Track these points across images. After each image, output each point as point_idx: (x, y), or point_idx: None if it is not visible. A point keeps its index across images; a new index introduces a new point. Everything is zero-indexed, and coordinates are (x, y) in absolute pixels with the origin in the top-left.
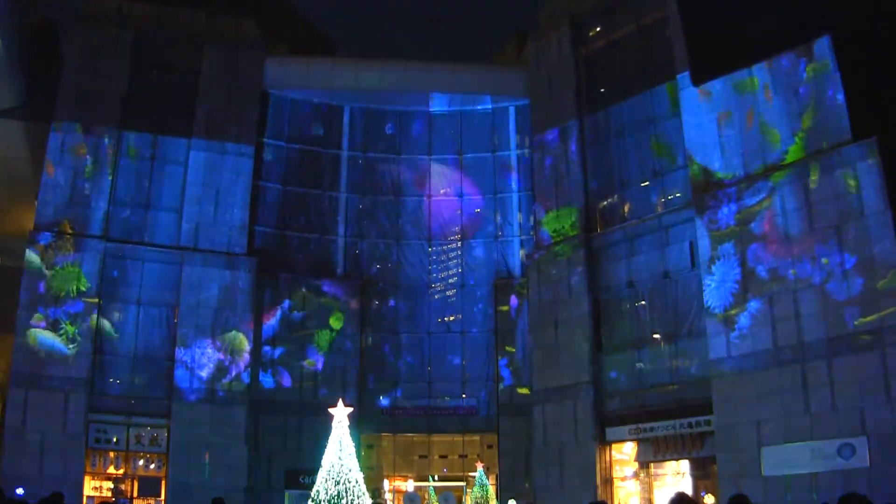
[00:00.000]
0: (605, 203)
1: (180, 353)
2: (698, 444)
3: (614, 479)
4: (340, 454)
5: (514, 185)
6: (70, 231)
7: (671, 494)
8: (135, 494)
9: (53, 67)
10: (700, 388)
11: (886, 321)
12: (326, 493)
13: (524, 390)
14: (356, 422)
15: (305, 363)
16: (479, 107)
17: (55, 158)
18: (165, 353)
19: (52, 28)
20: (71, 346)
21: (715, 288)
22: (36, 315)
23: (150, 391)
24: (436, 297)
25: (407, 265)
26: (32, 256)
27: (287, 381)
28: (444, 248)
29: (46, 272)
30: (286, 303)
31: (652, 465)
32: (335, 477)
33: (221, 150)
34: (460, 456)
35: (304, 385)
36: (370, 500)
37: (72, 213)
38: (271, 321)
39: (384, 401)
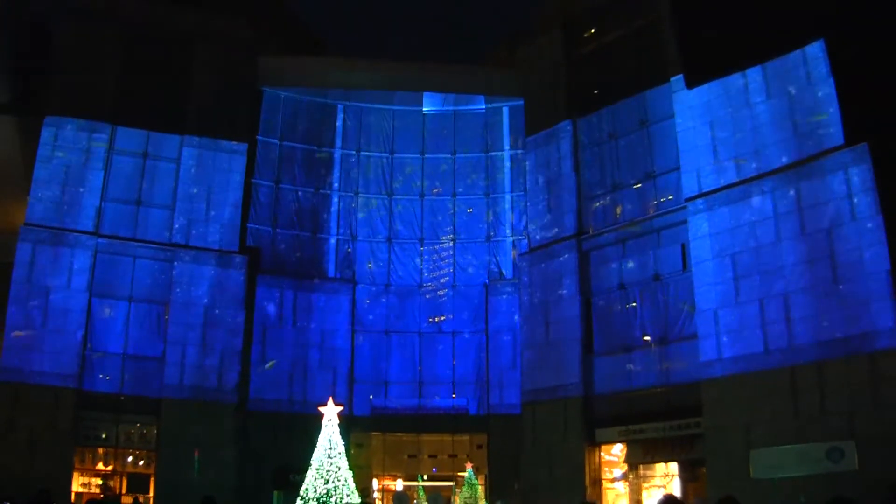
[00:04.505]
0: (598, 205)
1: (170, 350)
2: (688, 446)
3: (603, 481)
4: (330, 453)
5: (506, 186)
6: (61, 227)
7: (660, 496)
8: (123, 491)
9: (46, 63)
10: (690, 391)
11: (876, 325)
12: (315, 492)
13: (514, 391)
14: (346, 421)
15: (296, 361)
16: (472, 107)
17: (47, 154)
18: (156, 351)
19: (44, 23)
20: (61, 342)
21: (706, 291)
22: (26, 310)
23: (139, 388)
24: (427, 296)
25: (398, 265)
26: (23, 252)
27: (277, 379)
28: (436, 247)
29: (37, 268)
30: (277, 301)
31: (641, 466)
32: (324, 476)
33: (214, 147)
34: (450, 456)
35: (295, 383)
36: (359, 500)
37: (63, 209)
38: (262, 319)
39: (374, 400)
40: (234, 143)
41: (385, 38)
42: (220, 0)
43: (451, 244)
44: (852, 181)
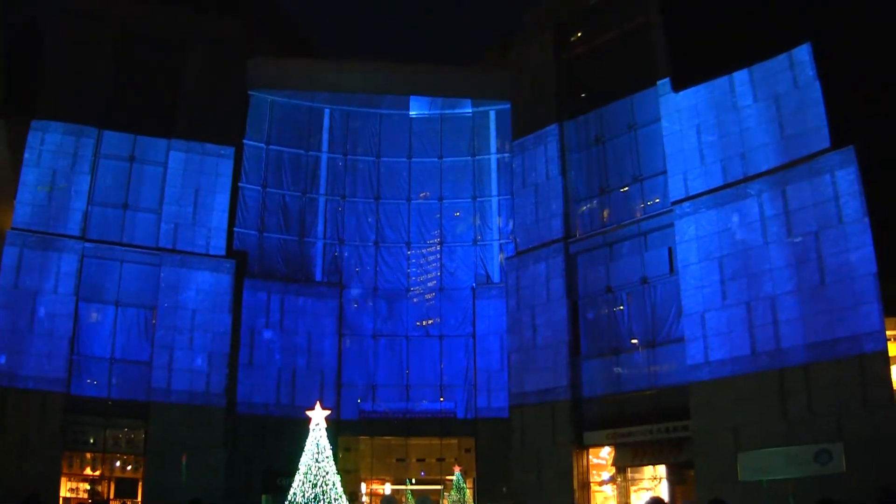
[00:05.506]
0: (585, 208)
1: (158, 354)
2: (676, 449)
3: (591, 484)
4: (318, 457)
5: (493, 189)
6: (48, 231)
7: (647, 499)
8: (111, 496)
9: (36, 65)
10: (678, 394)
11: (863, 328)
12: (303, 496)
13: (502, 394)
14: (334, 425)
15: (284, 366)
16: (459, 110)
17: (33, 158)
18: (143, 355)
19: (35, 25)
20: (49, 346)
21: (693, 294)
22: (13, 315)
23: (127, 393)
24: (414, 300)
25: (386, 268)
26: (10, 256)
27: (265, 383)
28: (423, 251)
29: (24, 272)
30: (265, 305)
31: (629, 469)
32: (312, 480)
33: (201, 150)
34: (438, 459)
35: (283, 387)
36: (347, 503)
37: (50, 212)
38: (250, 323)
39: (362, 404)
40: (222, 146)
41: (376, 40)
42: (211, 1)
43: (438, 248)
44: (839, 184)
